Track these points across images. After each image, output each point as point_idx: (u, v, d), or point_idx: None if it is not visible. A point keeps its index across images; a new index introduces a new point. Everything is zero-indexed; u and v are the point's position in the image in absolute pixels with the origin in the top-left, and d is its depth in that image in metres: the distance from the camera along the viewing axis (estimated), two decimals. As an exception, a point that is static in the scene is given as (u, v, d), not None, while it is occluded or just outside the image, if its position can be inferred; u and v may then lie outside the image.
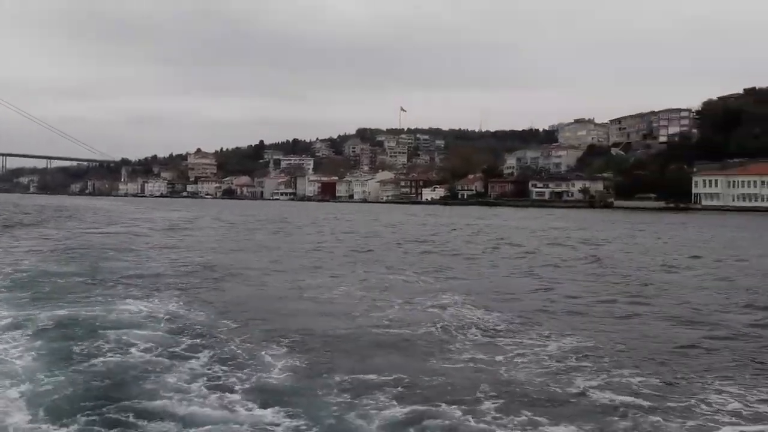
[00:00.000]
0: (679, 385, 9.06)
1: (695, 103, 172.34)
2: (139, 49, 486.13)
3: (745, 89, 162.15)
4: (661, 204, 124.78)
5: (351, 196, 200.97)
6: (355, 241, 36.40)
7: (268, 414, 7.78)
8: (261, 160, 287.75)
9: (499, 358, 10.40)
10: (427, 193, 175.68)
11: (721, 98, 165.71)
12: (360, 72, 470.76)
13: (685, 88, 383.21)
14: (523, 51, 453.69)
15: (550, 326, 12.83)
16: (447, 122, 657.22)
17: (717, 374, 9.68)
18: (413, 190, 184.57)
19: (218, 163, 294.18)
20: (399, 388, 8.82)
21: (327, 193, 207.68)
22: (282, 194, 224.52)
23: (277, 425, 7.48)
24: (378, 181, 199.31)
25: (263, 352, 10.56)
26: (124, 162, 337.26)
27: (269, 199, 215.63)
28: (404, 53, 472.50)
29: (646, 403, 8.24)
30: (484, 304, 15.37)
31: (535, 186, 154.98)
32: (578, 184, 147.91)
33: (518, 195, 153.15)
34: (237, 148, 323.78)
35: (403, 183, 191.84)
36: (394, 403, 8.21)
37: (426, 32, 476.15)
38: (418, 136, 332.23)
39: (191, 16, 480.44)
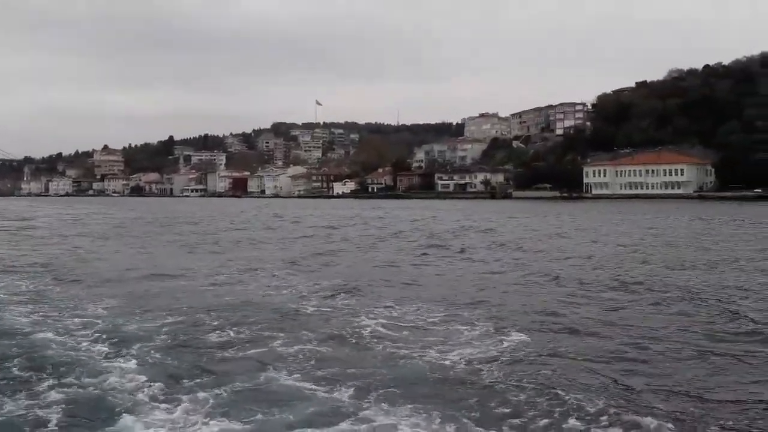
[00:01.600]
0: (406, 318, 13.99)
1: (592, 96, 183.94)
2: (37, 38, 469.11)
3: (636, 83, 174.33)
4: (556, 194, 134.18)
5: (263, 192, 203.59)
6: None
7: (80, 324, 12.29)
8: (171, 156, 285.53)
9: (260, 291, 15.28)
10: (338, 187, 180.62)
11: (615, 92, 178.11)
12: (276, 66, 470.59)
13: (587, 81, 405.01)
14: (443, 43, 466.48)
15: (313, 276, 17.80)
16: (364, 116, 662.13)
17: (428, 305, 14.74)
18: (325, 185, 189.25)
19: (126, 160, 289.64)
20: (177, 316, 13.45)
21: (238, 188, 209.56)
22: (192, 191, 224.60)
23: (85, 330, 11.95)
24: (290, 176, 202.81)
25: (99, 302, 14.84)
26: (27, 160, 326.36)
27: (179, 196, 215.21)
28: (323, 46, 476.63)
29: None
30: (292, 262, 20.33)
31: (440, 179, 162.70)
32: (481, 176, 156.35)
33: (425, 187, 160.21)
34: (146, 144, 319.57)
35: (315, 177, 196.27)
36: (172, 319, 12.81)
37: (344, 25, 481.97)
38: (333, 130, 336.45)
39: (94, 4, 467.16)
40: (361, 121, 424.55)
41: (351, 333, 11.63)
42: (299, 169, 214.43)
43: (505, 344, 10.96)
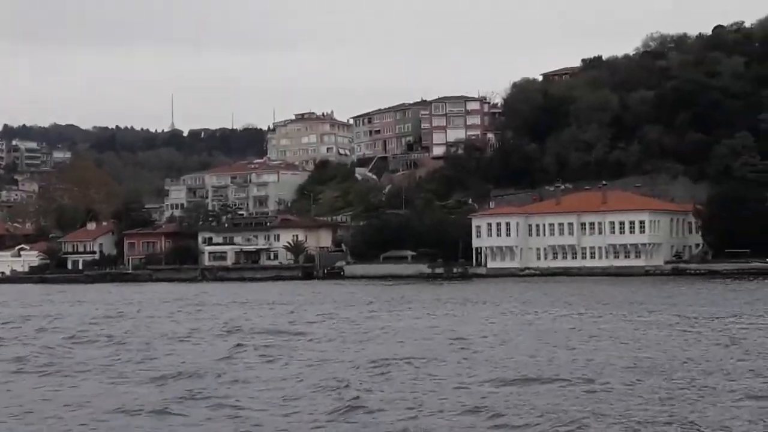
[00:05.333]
0: None
1: (503, 86, 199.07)
2: None
3: (584, 60, 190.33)
4: (423, 268, 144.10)
5: None
6: None
7: None
8: None
9: None
10: (4, 261, 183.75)
11: (545, 77, 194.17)
12: None
13: (499, 61, 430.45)
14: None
15: None
16: (97, 113, 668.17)
17: None
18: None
19: None
20: None
21: None
22: None
23: None
24: None
25: None
26: None
27: None
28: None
29: None
30: None
31: (209, 242, 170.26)
32: (287, 236, 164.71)
33: (181, 258, 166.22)
34: None
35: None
36: None
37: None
38: (18, 144, 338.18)
39: None
40: (88, 123, 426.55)
41: None
42: None
43: None
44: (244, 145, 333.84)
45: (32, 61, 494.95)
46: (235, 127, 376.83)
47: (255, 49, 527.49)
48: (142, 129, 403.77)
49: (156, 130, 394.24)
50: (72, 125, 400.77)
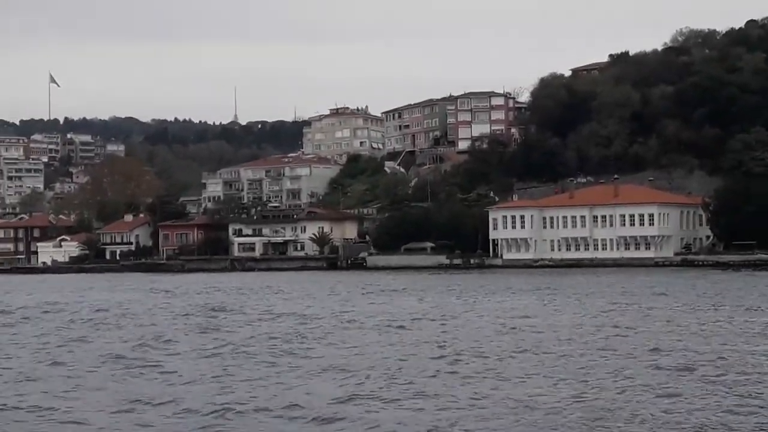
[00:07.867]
0: None
1: (532, 81, 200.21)
2: None
3: (611, 56, 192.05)
4: (442, 259, 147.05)
5: None
6: None
7: None
8: None
9: None
10: (46, 251, 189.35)
11: (575, 71, 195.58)
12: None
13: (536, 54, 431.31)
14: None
15: None
16: (158, 106, 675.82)
17: None
18: (22, 246, 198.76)
19: None
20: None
21: None
22: None
23: None
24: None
25: None
26: None
27: None
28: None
29: None
30: None
31: (239, 233, 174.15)
32: (313, 228, 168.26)
33: (212, 249, 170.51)
34: None
35: (3, 233, 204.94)
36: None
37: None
38: (73, 137, 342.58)
39: None
40: (147, 116, 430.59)
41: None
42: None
43: None
44: (294, 137, 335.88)
45: (97, 55, 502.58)
46: (287, 120, 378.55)
47: (315, 42, 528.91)
48: (200, 122, 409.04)
49: (214, 123, 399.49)
50: (131, 117, 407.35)
